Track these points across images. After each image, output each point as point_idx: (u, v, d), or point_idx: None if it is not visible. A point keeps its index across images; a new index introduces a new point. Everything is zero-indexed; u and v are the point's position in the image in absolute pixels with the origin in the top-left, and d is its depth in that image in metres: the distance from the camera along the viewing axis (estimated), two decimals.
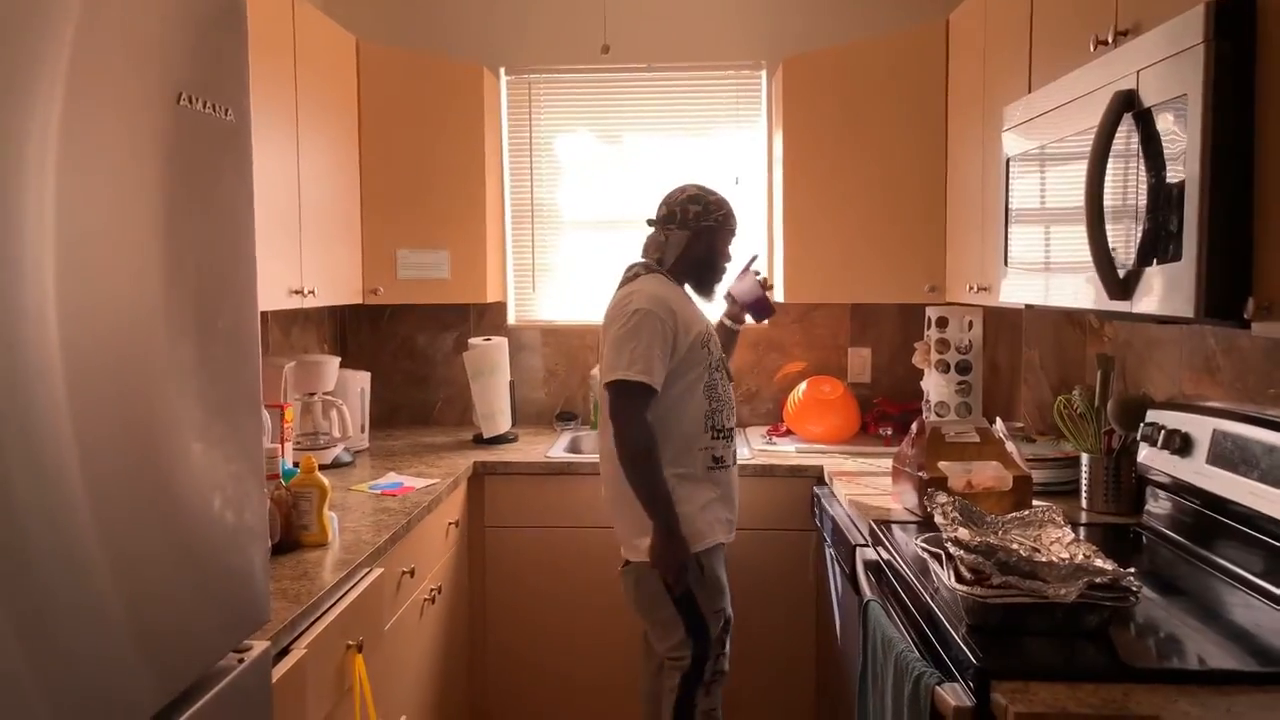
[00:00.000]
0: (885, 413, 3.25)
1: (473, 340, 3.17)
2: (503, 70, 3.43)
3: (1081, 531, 2.05)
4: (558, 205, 3.50)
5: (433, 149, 3.09)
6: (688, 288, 2.36)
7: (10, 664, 0.83)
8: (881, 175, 2.97)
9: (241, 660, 1.21)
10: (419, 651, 2.36)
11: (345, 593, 1.80)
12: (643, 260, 2.35)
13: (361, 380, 3.07)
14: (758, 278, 2.60)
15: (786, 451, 3.01)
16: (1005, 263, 2.04)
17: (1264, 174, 1.24)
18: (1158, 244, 1.38)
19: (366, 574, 1.92)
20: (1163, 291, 1.36)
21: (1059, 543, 1.59)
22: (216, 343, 1.16)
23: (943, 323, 2.90)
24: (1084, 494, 2.21)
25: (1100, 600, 1.38)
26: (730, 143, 3.43)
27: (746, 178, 3.42)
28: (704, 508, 2.23)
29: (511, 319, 3.52)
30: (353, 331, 3.52)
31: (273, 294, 2.30)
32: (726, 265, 2.39)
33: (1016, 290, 1.99)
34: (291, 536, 1.94)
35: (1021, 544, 1.61)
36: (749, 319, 2.62)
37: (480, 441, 3.12)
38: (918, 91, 2.90)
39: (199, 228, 1.12)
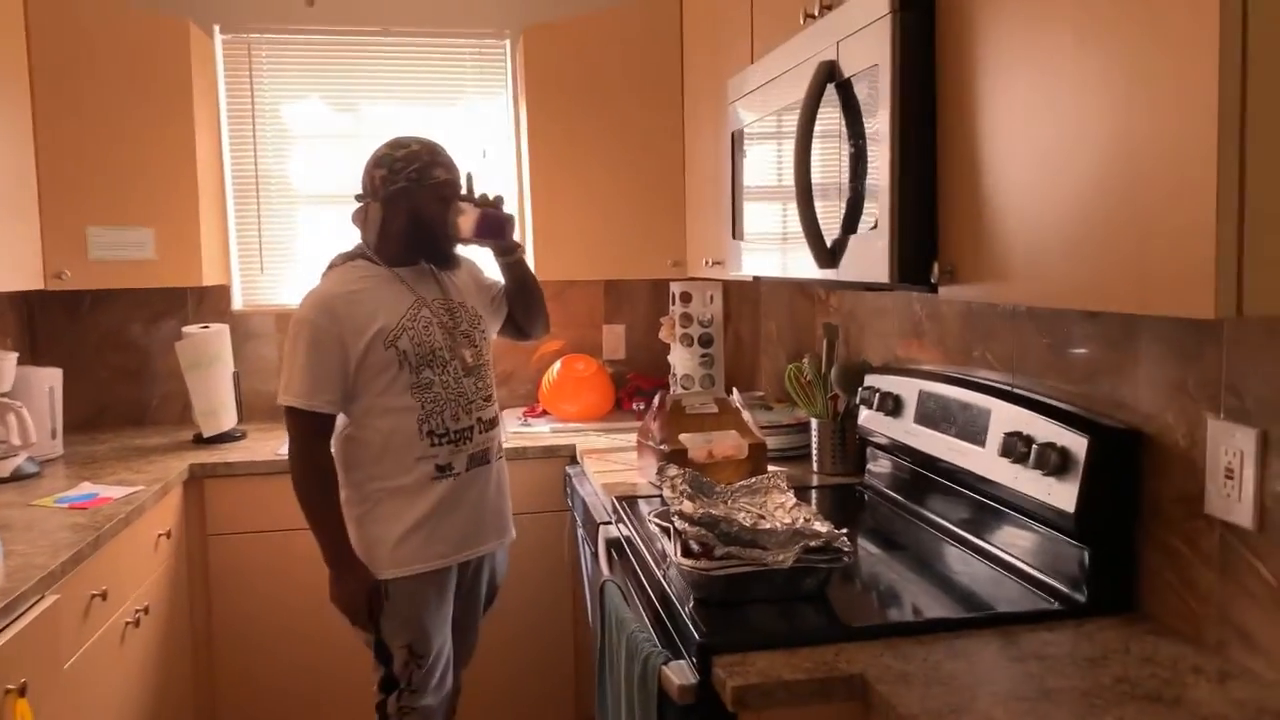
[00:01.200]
0: (639, 388, 3.26)
1: (186, 329, 2.85)
2: (217, 28, 3.09)
3: (812, 494, 2.13)
4: (288, 178, 3.21)
5: (130, 115, 2.72)
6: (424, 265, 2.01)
7: None
8: (624, 149, 2.95)
9: None
10: (122, 679, 2.08)
11: (5, 627, 1.52)
12: (349, 249, 2.02)
13: (50, 378, 2.67)
14: (468, 200, 2.02)
15: (540, 432, 2.94)
16: (735, 236, 2.06)
17: (945, 143, 1.29)
18: (859, 213, 1.41)
19: (37, 602, 1.65)
20: (863, 258, 1.40)
21: (782, 508, 1.61)
22: None
23: (686, 297, 2.93)
24: (814, 457, 2.30)
25: (815, 563, 1.41)
26: (478, 114, 3.29)
27: (495, 151, 3.30)
28: (407, 533, 1.92)
29: (238, 303, 3.20)
30: (43, 323, 3.07)
31: None
32: (450, 227, 1.97)
33: (745, 263, 2.01)
34: None
35: (748, 512, 1.63)
36: (497, 251, 2.06)
37: (201, 441, 2.82)
38: (655, 64, 2.90)
39: None
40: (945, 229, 1.29)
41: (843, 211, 1.47)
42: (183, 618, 2.51)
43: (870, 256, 1.37)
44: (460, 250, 2.06)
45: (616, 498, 2.08)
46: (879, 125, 1.33)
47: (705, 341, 2.94)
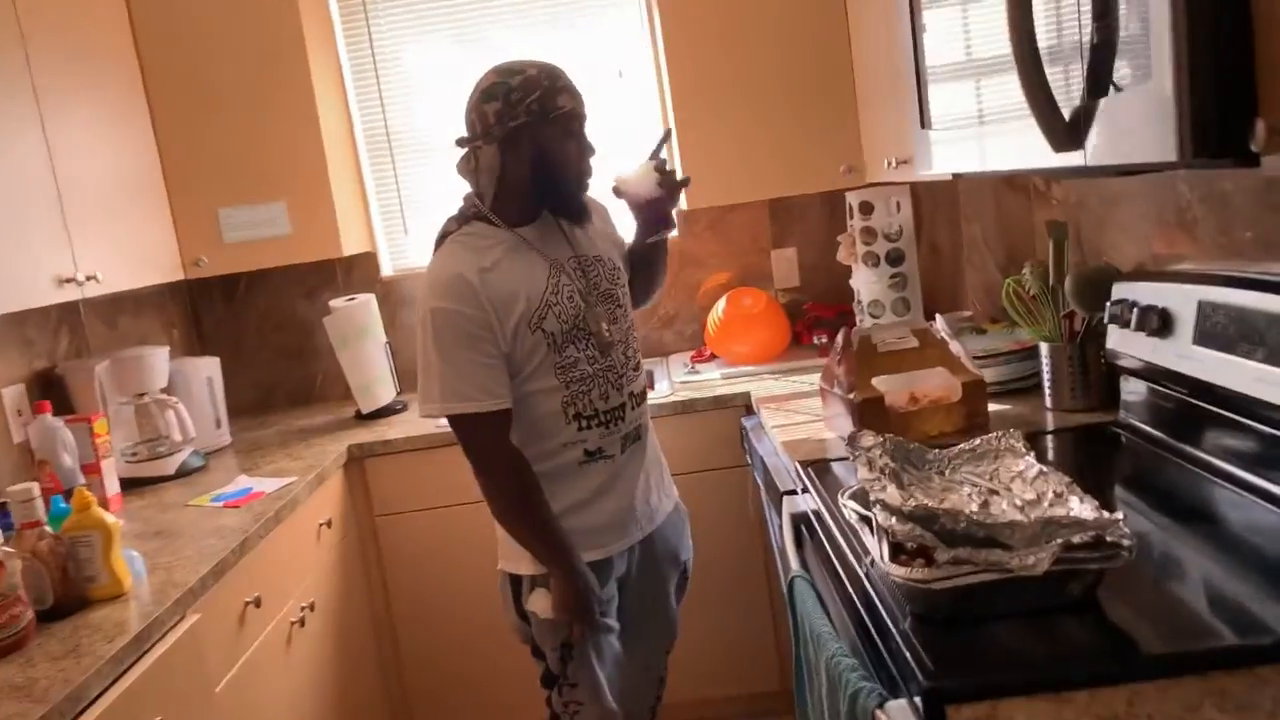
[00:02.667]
0: (819, 318, 2.86)
1: (334, 302, 2.72)
2: None
3: (1049, 441, 1.70)
4: (419, 129, 3.00)
5: (246, 85, 2.57)
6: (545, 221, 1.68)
7: None
8: (776, 44, 2.52)
9: None
10: (293, 683, 1.98)
11: (133, 663, 1.40)
12: (458, 210, 1.68)
13: (207, 368, 2.62)
14: (655, 164, 1.74)
15: (710, 380, 2.62)
16: (923, 125, 1.62)
17: None
18: (1112, 62, 0.97)
19: (175, 626, 1.53)
20: (1127, 129, 0.96)
21: (1021, 479, 1.22)
22: None
23: (867, 208, 2.49)
24: (1047, 391, 1.85)
25: (1083, 564, 1.02)
26: (610, 31, 2.94)
27: (631, 70, 2.95)
28: (560, 517, 1.67)
29: (386, 269, 3.06)
30: (205, 310, 3.05)
31: (30, 288, 1.84)
32: (583, 167, 1.65)
33: (939, 158, 1.58)
34: (75, 593, 1.54)
35: (976, 486, 1.25)
36: (649, 232, 1.80)
37: (361, 418, 2.70)
38: None
39: None
40: (1269, 71, 0.83)
41: (1084, 68, 1.02)
42: (359, 607, 2.41)
43: (1138, 126, 0.93)
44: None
45: (801, 462, 1.73)
46: None
47: (894, 259, 2.49)
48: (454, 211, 1.70)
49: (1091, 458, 1.62)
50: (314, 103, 2.61)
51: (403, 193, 3.02)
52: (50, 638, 1.43)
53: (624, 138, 2.87)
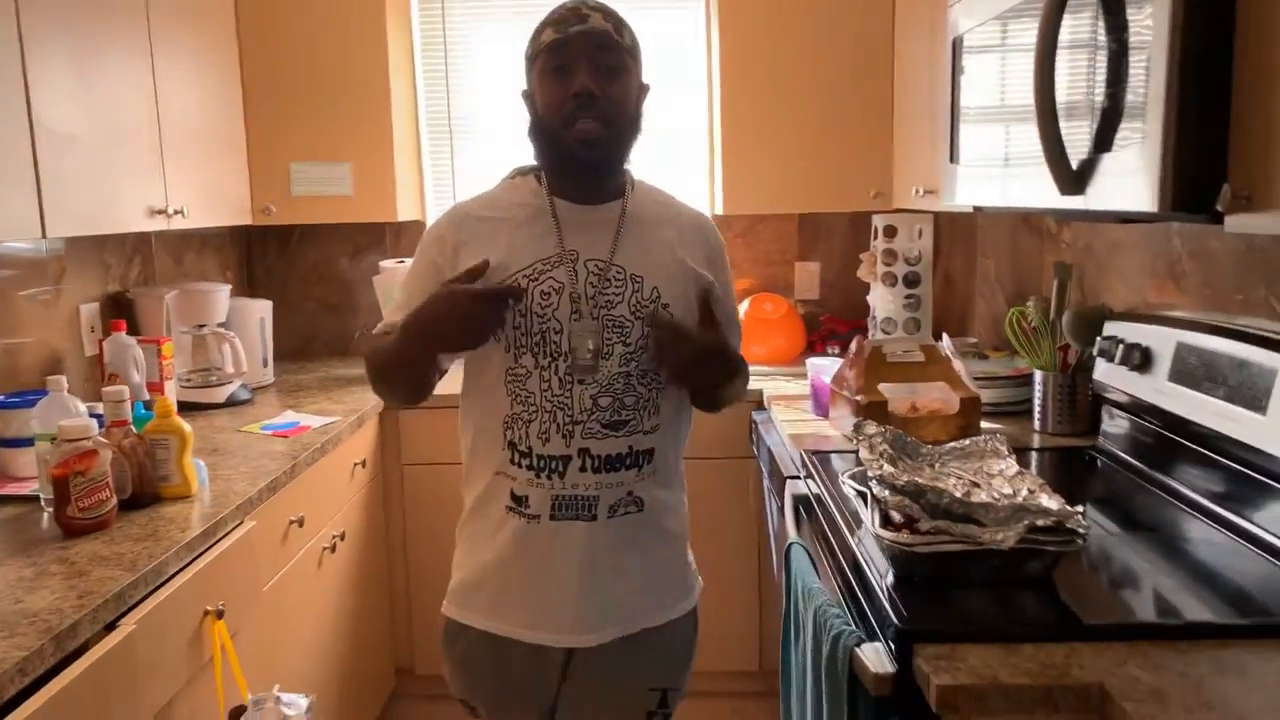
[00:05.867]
0: (833, 331, 3.04)
1: (384, 263, 2.90)
2: None
3: (1033, 457, 1.88)
4: (480, 111, 3.19)
5: (329, 52, 2.76)
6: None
7: None
8: (824, 70, 2.70)
9: None
10: (320, 602, 2.16)
11: (201, 553, 1.58)
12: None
13: (261, 310, 2.80)
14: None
15: None
16: (952, 160, 1.80)
17: (1246, 32, 1.00)
18: (1114, 128, 1.15)
19: (235, 528, 1.71)
20: (1121, 182, 1.14)
21: (1001, 476, 1.39)
22: None
23: (890, 232, 2.67)
24: (1036, 414, 2.03)
25: (1043, 545, 1.20)
26: (669, 35, 3.12)
27: (685, 83, 3.13)
28: (470, 566, 1.45)
29: None
30: (259, 256, 3.23)
31: (124, 214, 2.02)
32: (569, 110, 1.32)
33: (963, 191, 1.76)
34: (148, 489, 1.72)
35: (960, 478, 1.42)
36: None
37: None
38: None
39: None
40: (1241, 144, 1.01)
41: (1094, 127, 1.21)
42: (379, 545, 2.59)
43: (1130, 180, 1.12)
44: (631, 165, 1.44)
45: (806, 451, 1.91)
46: (1149, 23, 1.06)
47: (911, 281, 2.67)
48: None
49: (1066, 473, 1.79)
50: (387, 76, 2.80)
51: (456, 168, 3.21)
52: (129, 523, 1.61)
53: (671, 143, 3.06)
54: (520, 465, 1.37)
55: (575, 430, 1.35)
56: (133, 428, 1.72)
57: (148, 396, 2.23)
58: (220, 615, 1.56)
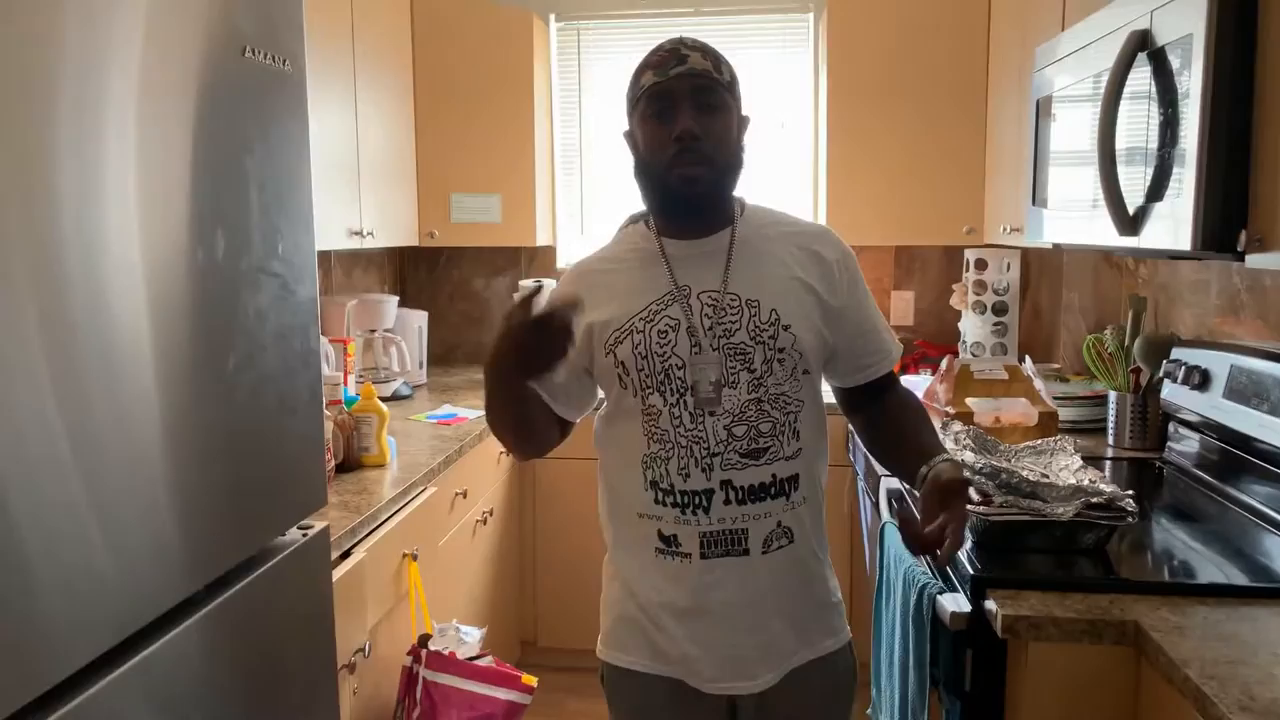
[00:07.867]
0: (925, 354, 3.30)
1: (523, 282, 3.30)
2: (552, 17, 3.50)
3: (1106, 465, 2.12)
4: (606, 151, 3.58)
5: (485, 95, 3.19)
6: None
7: (86, 530, 1.00)
8: (923, 118, 2.99)
9: (305, 534, 1.38)
10: (471, 567, 2.54)
11: (401, 507, 1.96)
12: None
13: (419, 319, 3.23)
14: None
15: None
16: (1034, 202, 2.08)
17: (1263, 111, 1.28)
18: (1164, 181, 1.43)
19: (421, 492, 2.09)
20: (1166, 226, 1.42)
21: (1066, 469, 1.66)
22: (276, 272, 1.30)
23: (981, 264, 2.94)
24: (1110, 430, 2.27)
25: (1096, 519, 1.47)
26: (777, 86, 3.46)
27: (792, 121, 3.46)
28: (621, 609, 1.46)
29: (561, 262, 3.64)
30: (411, 274, 3.69)
31: (332, 234, 2.45)
32: (663, 148, 1.33)
33: (1046, 230, 2.03)
34: (353, 458, 2.12)
35: (1031, 470, 1.70)
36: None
37: None
38: (961, 32, 2.91)
39: (261, 169, 1.25)
40: (1258, 198, 1.29)
41: (1148, 179, 1.49)
42: (514, 524, 2.97)
43: (1173, 224, 1.39)
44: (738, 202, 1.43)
45: None
46: (1190, 94, 1.34)
47: (999, 309, 2.93)
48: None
49: (1135, 481, 2.03)
50: (532, 117, 3.21)
51: (585, 198, 3.60)
52: (341, 484, 2.01)
53: (776, 179, 3.40)
54: (665, 504, 1.36)
55: (714, 463, 1.34)
56: (344, 406, 2.13)
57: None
58: (415, 558, 1.93)
